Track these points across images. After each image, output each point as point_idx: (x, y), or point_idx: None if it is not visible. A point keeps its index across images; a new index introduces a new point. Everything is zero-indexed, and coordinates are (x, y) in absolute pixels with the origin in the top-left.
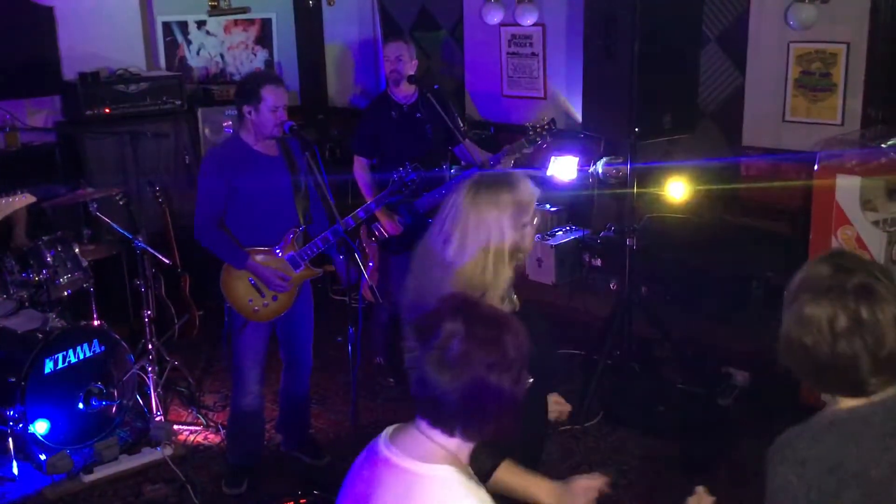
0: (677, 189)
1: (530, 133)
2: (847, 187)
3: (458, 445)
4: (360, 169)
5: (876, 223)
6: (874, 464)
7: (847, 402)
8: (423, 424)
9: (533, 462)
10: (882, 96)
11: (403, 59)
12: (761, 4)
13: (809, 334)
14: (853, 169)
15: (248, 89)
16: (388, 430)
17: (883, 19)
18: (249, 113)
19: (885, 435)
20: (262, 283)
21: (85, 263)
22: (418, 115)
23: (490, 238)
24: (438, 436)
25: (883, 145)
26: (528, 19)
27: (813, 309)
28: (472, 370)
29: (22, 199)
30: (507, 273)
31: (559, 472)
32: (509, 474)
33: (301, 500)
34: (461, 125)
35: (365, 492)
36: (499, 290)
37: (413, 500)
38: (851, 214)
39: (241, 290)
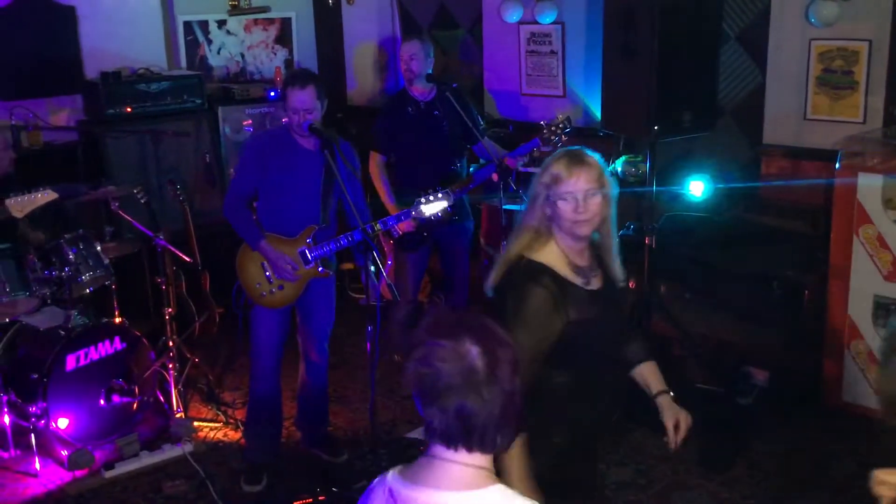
0: (697, 187)
1: (545, 132)
2: (869, 186)
3: (487, 461)
4: (376, 166)
5: None
6: None
7: None
8: (443, 452)
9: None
10: None
11: (417, 59)
12: (782, 2)
13: None
14: (875, 167)
15: (282, 88)
16: (394, 472)
17: None
18: (284, 110)
19: None
20: (271, 267)
21: (106, 261)
22: (436, 112)
23: (526, 211)
24: (464, 457)
25: None
26: (548, 17)
27: None
28: (503, 379)
29: (44, 196)
30: (552, 245)
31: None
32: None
33: (320, 497)
34: (480, 123)
35: None
36: (556, 265)
37: None
38: (873, 213)
39: (251, 271)
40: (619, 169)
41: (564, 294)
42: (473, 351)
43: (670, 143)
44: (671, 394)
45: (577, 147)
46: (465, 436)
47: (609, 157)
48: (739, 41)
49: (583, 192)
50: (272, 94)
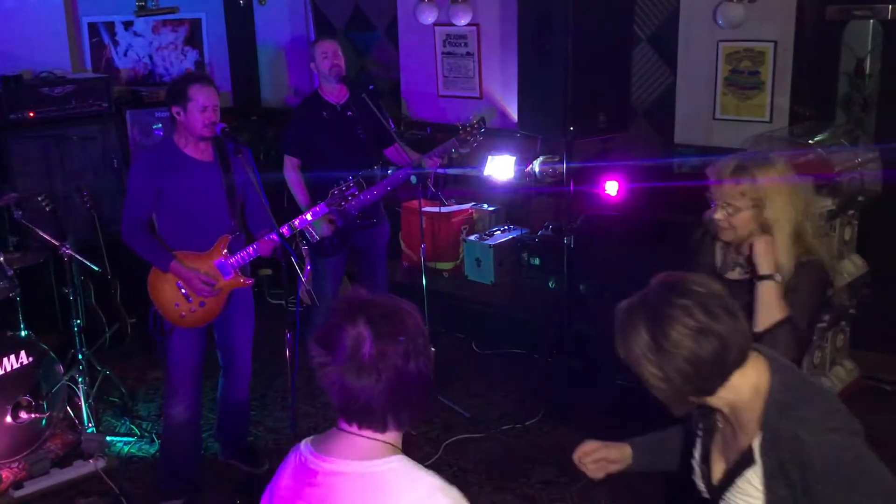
0: (613, 187)
1: (460, 133)
2: None
3: (394, 437)
4: (292, 169)
5: None
6: None
7: None
8: (352, 427)
9: None
10: (809, 94)
11: (340, 55)
12: (691, 4)
13: None
14: None
15: (176, 90)
16: (306, 442)
17: (808, 18)
18: (178, 114)
19: None
20: (188, 287)
21: (10, 272)
22: (350, 114)
23: None
24: (371, 433)
25: (810, 142)
26: (463, 19)
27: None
28: (391, 365)
29: None
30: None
31: (502, 470)
32: None
33: None
34: (393, 127)
35: None
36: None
37: (378, 500)
38: None
39: (167, 294)
40: (537, 170)
41: None
42: (363, 334)
43: (586, 144)
44: None
45: (756, 154)
46: (348, 412)
47: (526, 157)
48: (650, 43)
49: (721, 199)
50: None
